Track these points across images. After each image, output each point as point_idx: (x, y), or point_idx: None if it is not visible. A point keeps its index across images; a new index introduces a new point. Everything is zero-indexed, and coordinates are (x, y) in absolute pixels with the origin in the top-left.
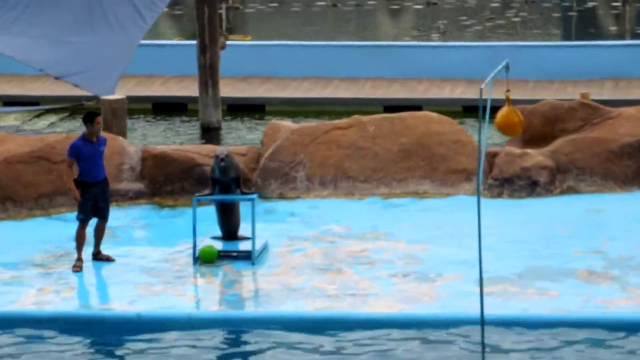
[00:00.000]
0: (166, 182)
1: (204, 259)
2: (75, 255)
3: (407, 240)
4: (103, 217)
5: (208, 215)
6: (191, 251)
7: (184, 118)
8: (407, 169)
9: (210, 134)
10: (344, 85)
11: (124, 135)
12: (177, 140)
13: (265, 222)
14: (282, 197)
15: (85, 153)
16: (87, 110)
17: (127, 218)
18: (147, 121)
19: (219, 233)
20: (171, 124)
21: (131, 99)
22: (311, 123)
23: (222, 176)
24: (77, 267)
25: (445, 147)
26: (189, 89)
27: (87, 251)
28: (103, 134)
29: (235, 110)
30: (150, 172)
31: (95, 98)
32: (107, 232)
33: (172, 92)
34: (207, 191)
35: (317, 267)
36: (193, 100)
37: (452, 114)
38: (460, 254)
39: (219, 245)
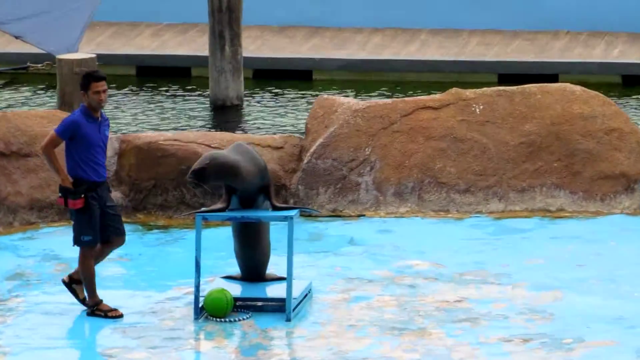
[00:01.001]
0: (156, 189)
1: (213, 311)
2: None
3: (530, 285)
4: (122, 232)
5: (220, 243)
6: (192, 298)
7: (186, 90)
8: (534, 173)
9: (225, 114)
10: (436, 42)
11: None
12: (175, 124)
13: (309, 254)
14: (336, 214)
15: (89, 134)
16: (86, 71)
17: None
18: (129, 94)
19: (237, 270)
20: (166, 98)
21: (104, 60)
22: (384, 100)
23: (240, 184)
24: (113, 313)
25: (594, 139)
26: (195, 44)
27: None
28: (64, 114)
29: (265, 79)
30: (132, 173)
31: (48, 58)
32: (61, 267)
33: (168, 49)
34: (219, 205)
35: (389, 325)
36: (200, 62)
37: (606, 88)
38: (614, 308)
39: (235, 290)
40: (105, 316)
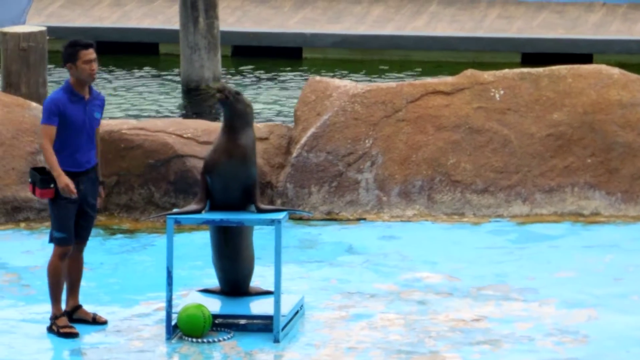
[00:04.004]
0: (120, 187)
1: (188, 330)
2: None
3: (560, 302)
4: (86, 236)
5: (196, 250)
6: (164, 315)
7: (154, 69)
8: (564, 171)
9: (199, 99)
10: (448, 14)
11: (40, 98)
12: (141, 110)
13: (300, 264)
14: (331, 218)
15: (70, 115)
16: (69, 41)
17: (48, 252)
18: None
19: (215, 283)
20: (129, 79)
21: (57, 33)
22: (387, 83)
23: (221, 171)
24: (67, 330)
25: (635, 130)
26: (163, 16)
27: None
28: (9, 98)
29: (246, 57)
30: None
31: None
32: (10, 277)
33: (131, 21)
34: (194, 205)
35: (395, 348)
36: (169, 36)
37: None
38: None
39: (214, 306)
40: (58, 334)
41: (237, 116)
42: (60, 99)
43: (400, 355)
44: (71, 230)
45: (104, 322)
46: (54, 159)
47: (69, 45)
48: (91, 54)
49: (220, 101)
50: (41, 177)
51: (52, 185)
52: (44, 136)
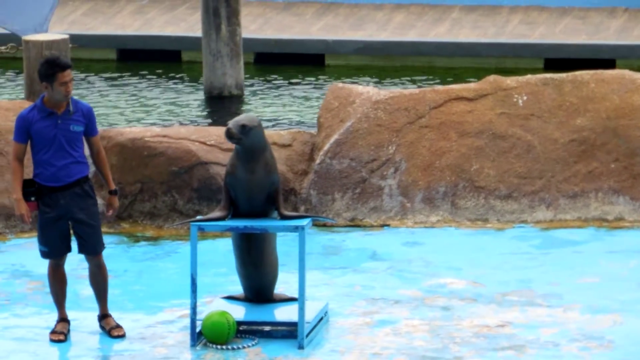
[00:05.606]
0: (143, 194)
1: (213, 337)
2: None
3: (584, 307)
4: (91, 251)
5: (220, 257)
6: (188, 322)
7: (176, 77)
8: (587, 176)
9: (222, 106)
10: (470, 20)
11: None
12: (164, 117)
13: (324, 271)
14: (355, 224)
15: (41, 131)
16: (45, 59)
17: (72, 260)
18: (108, 81)
19: (240, 290)
20: (152, 87)
21: (79, 41)
22: (410, 89)
23: (243, 182)
24: (58, 335)
25: None
26: (185, 23)
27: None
28: (24, 104)
29: (269, 64)
30: (114, 175)
31: (13, 39)
32: (34, 285)
33: (154, 29)
34: (218, 212)
35: (420, 354)
36: (191, 44)
37: None
38: None
39: (239, 312)
40: (52, 337)
41: (251, 143)
42: (28, 115)
43: None
44: (54, 244)
45: (121, 336)
46: (15, 179)
47: (47, 64)
48: (67, 75)
49: (233, 138)
50: (24, 192)
51: (32, 199)
52: (12, 151)
